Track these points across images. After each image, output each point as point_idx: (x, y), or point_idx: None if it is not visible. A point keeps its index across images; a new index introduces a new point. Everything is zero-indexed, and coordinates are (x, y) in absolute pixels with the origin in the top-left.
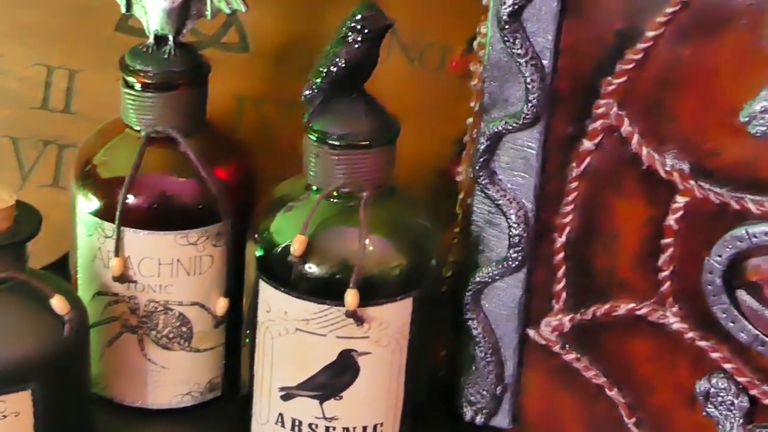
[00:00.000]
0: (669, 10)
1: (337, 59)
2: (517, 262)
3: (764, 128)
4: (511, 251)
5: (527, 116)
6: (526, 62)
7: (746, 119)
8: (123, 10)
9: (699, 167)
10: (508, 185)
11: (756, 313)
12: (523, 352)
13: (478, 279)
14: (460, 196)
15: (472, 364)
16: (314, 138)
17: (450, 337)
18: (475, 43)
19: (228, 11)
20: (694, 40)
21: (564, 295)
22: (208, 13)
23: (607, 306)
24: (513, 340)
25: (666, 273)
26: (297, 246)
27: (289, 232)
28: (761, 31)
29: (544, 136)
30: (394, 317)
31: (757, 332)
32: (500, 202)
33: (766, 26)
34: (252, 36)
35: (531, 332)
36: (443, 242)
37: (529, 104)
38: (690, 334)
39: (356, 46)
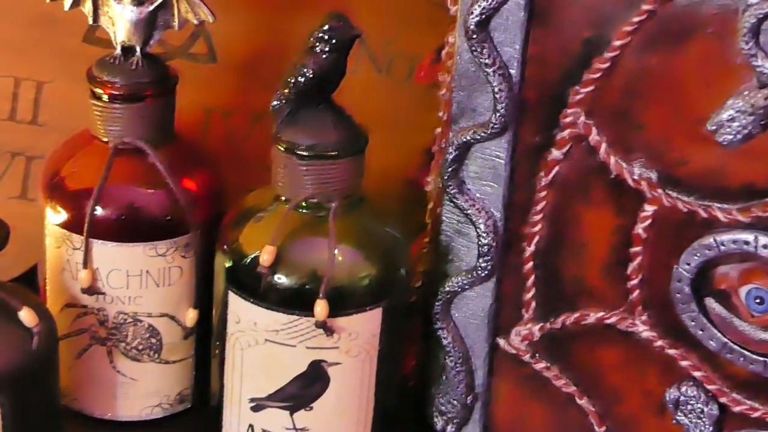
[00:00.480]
0: (636, 19)
1: (305, 70)
2: (486, 272)
3: (731, 137)
4: (481, 261)
5: (495, 126)
6: (494, 72)
7: (713, 128)
8: (90, 21)
9: (667, 176)
10: (477, 195)
11: (725, 320)
12: (493, 361)
13: (447, 288)
14: (429, 206)
15: (443, 373)
16: (282, 148)
17: (420, 346)
18: (443, 53)
19: (196, 21)
20: (661, 49)
21: (533, 304)
22: (176, 23)
23: (576, 315)
24: (483, 350)
25: (635, 281)
26: (266, 257)
27: (258, 242)
28: (728, 39)
29: (512, 145)
30: (364, 327)
31: (726, 340)
32: (469, 211)
33: (733, 35)
34: (220, 47)
35: (501, 341)
36: (413, 252)
37: (497, 114)
38: (659, 342)
39: (324, 56)
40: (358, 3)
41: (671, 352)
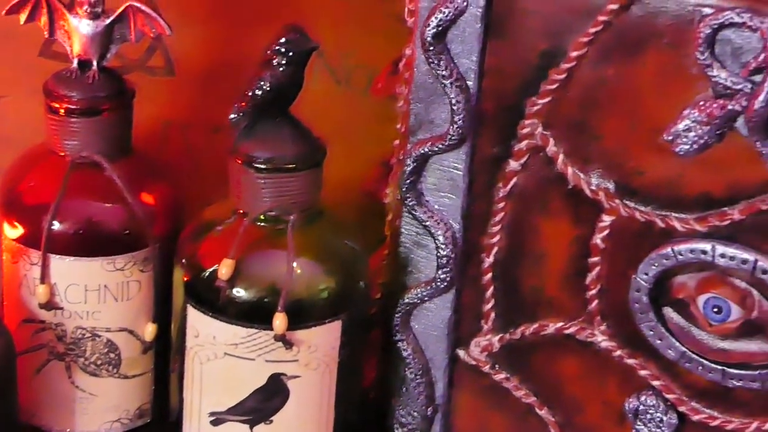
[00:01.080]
0: (592, 30)
1: (262, 83)
2: (445, 283)
3: (688, 147)
4: (440, 272)
5: (453, 137)
6: (451, 84)
7: (670, 138)
8: (46, 34)
9: (624, 186)
10: (436, 206)
11: (683, 330)
12: (453, 372)
13: (407, 300)
14: (388, 218)
15: (403, 385)
16: (240, 162)
17: (380, 358)
18: (400, 65)
19: (152, 35)
20: (618, 60)
21: (493, 315)
22: (132, 37)
23: (535, 325)
24: (443, 361)
25: (593, 291)
26: (224, 270)
27: (216, 256)
28: (683, 50)
29: (470, 157)
30: (324, 340)
31: (684, 349)
32: (428, 223)
33: (688, 45)
34: (177, 60)
35: (461, 353)
36: (372, 264)
37: (455, 125)
38: (618, 352)
39: (281, 69)
40: (316, 15)
41: (630, 361)
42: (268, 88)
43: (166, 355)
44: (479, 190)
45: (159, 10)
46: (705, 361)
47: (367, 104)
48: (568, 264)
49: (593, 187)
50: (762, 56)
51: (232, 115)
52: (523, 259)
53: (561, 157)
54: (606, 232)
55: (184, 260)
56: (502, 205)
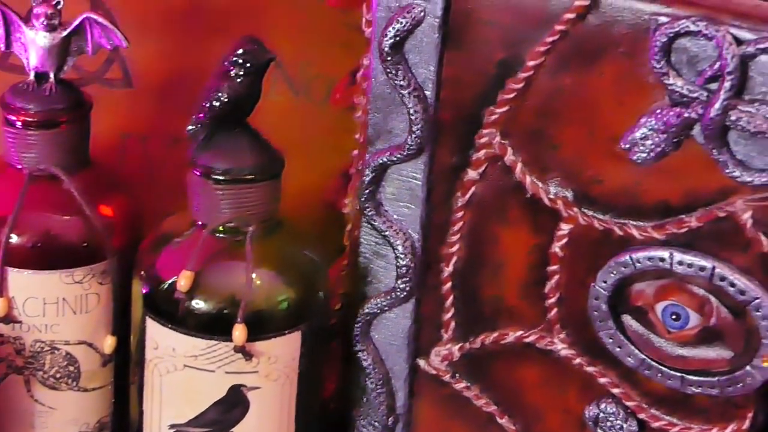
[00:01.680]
0: (549, 39)
1: (220, 94)
2: (405, 293)
3: (645, 155)
4: (399, 282)
5: (411, 147)
6: (409, 94)
7: (627, 146)
8: (2, 47)
9: (582, 194)
10: (395, 216)
11: (642, 337)
12: (413, 382)
13: (367, 310)
14: (347, 228)
15: (363, 395)
16: (198, 173)
17: (341, 369)
18: (358, 75)
19: (109, 47)
20: (575, 69)
21: (453, 324)
22: (89, 49)
23: (495, 334)
24: (403, 371)
25: (552, 300)
26: (183, 282)
27: (175, 268)
28: (640, 58)
29: (428, 166)
30: (284, 351)
31: (643, 357)
32: (387, 233)
33: (644, 54)
34: (135, 71)
35: (421, 362)
36: (331, 274)
37: (413, 135)
38: (578, 360)
39: (239, 80)
40: (274, 26)
41: (590, 369)
42: (225, 100)
43: (126, 368)
44: (438, 200)
45: (116, 22)
46: (664, 368)
47: (325, 115)
48: (527, 273)
49: (552, 196)
50: (718, 64)
51: (190, 127)
52: (482, 268)
53: (519, 166)
54: (564, 240)
55: (142, 272)
56: (461, 214)
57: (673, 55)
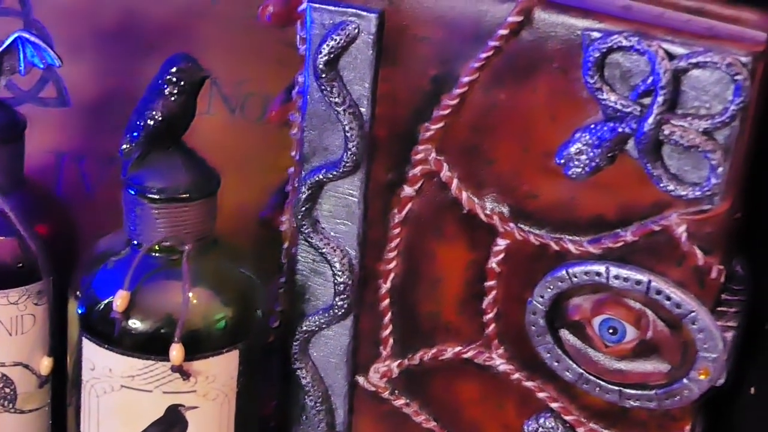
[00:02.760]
0: (483, 55)
1: (154, 112)
2: (343, 310)
3: (579, 170)
4: (337, 299)
5: (347, 164)
6: (344, 110)
7: (562, 161)
8: None
9: (518, 210)
10: (332, 233)
11: (579, 351)
12: (353, 399)
13: (305, 328)
14: (285, 246)
15: (303, 413)
16: (133, 192)
17: (280, 387)
18: (293, 92)
19: (42, 66)
20: (509, 85)
21: (391, 340)
22: (21, 68)
23: (434, 350)
24: (342, 388)
25: (490, 315)
26: (119, 302)
27: (111, 288)
28: (573, 74)
29: (365, 183)
30: (221, 370)
31: (581, 371)
32: (324, 250)
33: (578, 69)
34: (71, 90)
35: (360, 379)
36: (269, 292)
37: (349, 152)
38: (516, 375)
39: (173, 98)
40: (209, 44)
41: (528, 384)
42: (160, 118)
43: (63, 389)
44: (375, 217)
45: (50, 41)
46: (602, 382)
47: (261, 132)
48: (465, 288)
49: (488, 212)
50: (650, 79)
51: (124, 146)
52: (419, 284)
53: (455, 182)
54: (501, 255)
55: (78, 292)
56: (397, 230)
57: (606, 70)
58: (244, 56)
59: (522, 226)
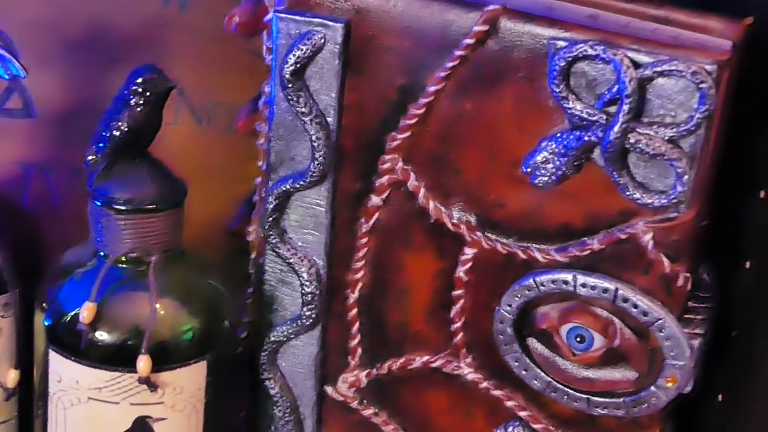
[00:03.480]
0: (449, 64)
1: (120, 123)
2: (311, 320)
3: (546, 178)
4: (305, 309)
5: (314, 174)
6: (311, 120)
7: (528, 170)
8: None
9: (485, 219)
10: (299, 243)
11: (547, 360)
12: (321, 409)
13: (273, 338)
14: (252, 256)
15: (271, 423)
16: (99, 203)
17: (248, 397)
18: (260, 102)
19: (6, 77)
20: (475, 94)
21: (359, 350)
22: None
23: (402, 360)
24: (311, 398)
25: (458, 324)
26: (86, 313)
27: (77, 299)
28: (539, 83)
29: (332, 193)
30: (189, 381)
31: (549, 379)
32: (292, 260)
33: (544, 78)
34: (37, 101)
35: (329, 389)
36: (237, 303)
37: (316, 162)
38: (484, 384)
39: (138, 109)
40: (176, 55)
41: (497, 393)
42: (125, 129)
43: (30, 402)
44: (342, 226)
45: (15, 52)
46: (570, 391)
47: (228, 142)
48: (433, 297)
49: (455, 221)
50: (616, 87)
51: (89, 157)
52: (387, 293)
53: (422, 191)
54: (469, 264)
55: (45, 304)
56: (365, 240)
57: (572, 79)
58: (211, 66)
59: (489, 235)
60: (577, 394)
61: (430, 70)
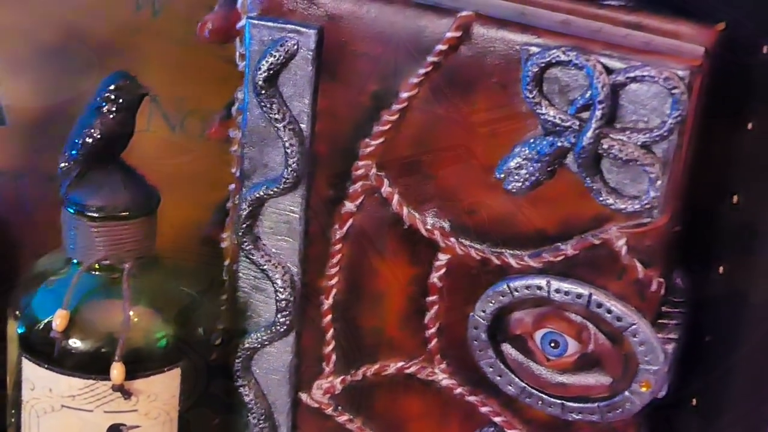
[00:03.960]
0: (422, 70)
1: (92, 130)
2: (285, 327)
3: (519, 184)
4: (279, 316)
5: (288, 180)
6: (284, 127)
7: (502, 176)
8: None
9: (459, 224)
10: (273, 250)
11: (522, 365)
12: (296, 416)
13: (247, 345)
14: (226, 263)
15: (246, 430)
16: (72, 211)
17: (222, 405)
18: (233, 109)
19: None
20: (448, 100)
21: (334, 357)
22: None
23: (376, 366)
24: (285, 405)
25: (432, 330)
26: (59, 321)
27: (50, 307)
28: (512, 88)
29: (305, 199)
30: (163, 389)
31: (524, 385)
32: (266, 267)
33: (517, 84)
34: (9, 108)
35: (303, 396)
36: (211, 310)
37: (289, 168)
38: (459, 390)
39: (111, 116)
40: (149, 61)
41: (471, 398)
42: (98, 136)
43: (3, 410)
44: (316, 233)
45: None
46: (545, 396)
47: (202, 149)
48: (407, 303)
49: (429, 227)
50: (589, 93)
51: (62, 164)
52: (362, 300)
53: (396, 197)
54: (443, 270)
55: (17, 312)
56: (339, 246)
57: (545, 85)
58: (184, 73)
59: (463, 240)
60: (552, 399)
61: (403, 76)
